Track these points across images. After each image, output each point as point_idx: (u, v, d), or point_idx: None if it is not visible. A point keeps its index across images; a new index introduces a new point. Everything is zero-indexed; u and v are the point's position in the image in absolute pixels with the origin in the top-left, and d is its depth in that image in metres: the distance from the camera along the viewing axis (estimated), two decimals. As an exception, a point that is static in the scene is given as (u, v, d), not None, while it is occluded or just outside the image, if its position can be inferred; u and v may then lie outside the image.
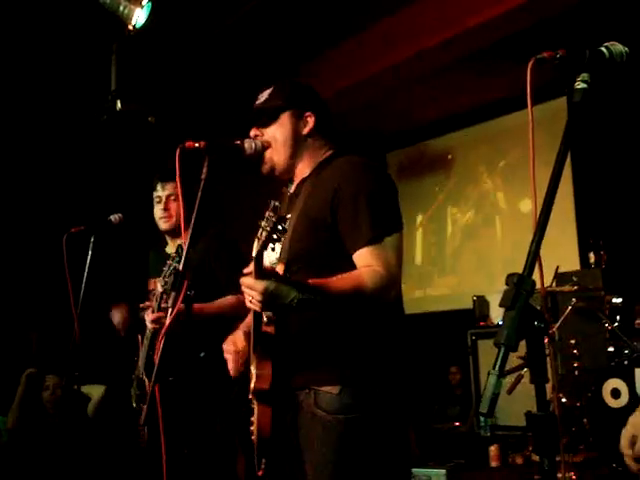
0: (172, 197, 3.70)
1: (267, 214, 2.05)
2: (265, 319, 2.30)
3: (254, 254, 2.10)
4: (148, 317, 3.33)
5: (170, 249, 3.81)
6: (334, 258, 2.28)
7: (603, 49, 1.41)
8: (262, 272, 2.10)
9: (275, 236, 2.03)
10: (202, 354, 3.39)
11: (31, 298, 6.12)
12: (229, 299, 3.44)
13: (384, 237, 2.24)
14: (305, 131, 2.47)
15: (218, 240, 3.64)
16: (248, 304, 2.18)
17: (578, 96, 1.35)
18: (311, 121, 2.47)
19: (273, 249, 2.16)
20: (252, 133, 2.49)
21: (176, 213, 3.69)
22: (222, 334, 2.63)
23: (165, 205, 3.71)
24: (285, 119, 2.46)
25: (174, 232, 3.74)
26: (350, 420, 2.20)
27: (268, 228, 2.03)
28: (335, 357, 2.26)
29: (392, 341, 2.34)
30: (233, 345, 2.47)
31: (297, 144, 2.46)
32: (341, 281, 2.19)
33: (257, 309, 2.17)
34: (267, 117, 2.47)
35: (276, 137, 2.45)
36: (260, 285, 2.07)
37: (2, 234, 6.05)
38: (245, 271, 2.18)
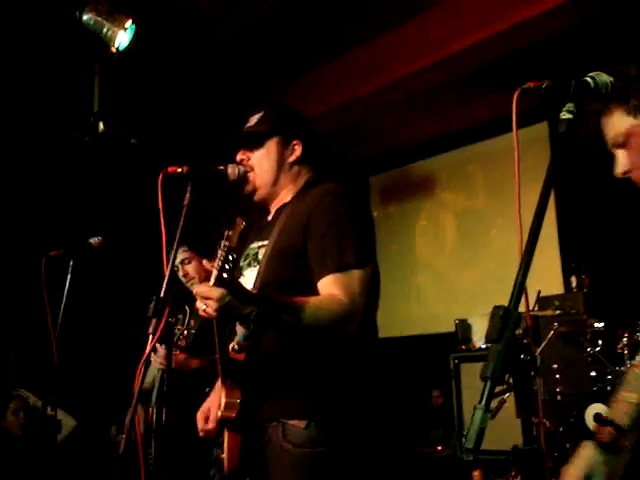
0: (185, 261, 3.84)
1: (222, 244, 2.02)
2: (236, 347, 2.28)
3: (212, 283, 2.05)
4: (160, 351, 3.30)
5: None
6: (304, 287, 2.24)
7: (588, 79, 1.41)
8: (222, 280, 2.03)
9: (227, 266, 2.00)
10: (207, 390, 3.35)
11: (10, 320, 6.04)
12: None
13: (350, 268, 2.21)
14: (291, 159, 2.47)
15: None
16: (201, 312, 2.10)
17: (563, 127, 1.34)
18: (298, 149, 2.48)
19: (227, 278, 2.09)
20: (238, 157, 2.48)
21: (198, 273, 3.80)
22: None
23: (183, 271, 3.85)
24: (272, 146, 2.46)
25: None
26: (317, 454, 2.18)
27: (222, 257, 2.01)
28: (303, 391, 2.24)
29: (361, 375, 2.31)
30: (202, 421, 2.47)
31: (281, 171, 2.46)
32: (301, 302, 2.14)
33: (212, 316, 2.08)
34: (254, 142, 2.46)
35: (261, 163, 2.45)
36: (216, 293, 2.02)
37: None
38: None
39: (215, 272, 2.04)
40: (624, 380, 1.88)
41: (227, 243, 2.01)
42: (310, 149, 2.50)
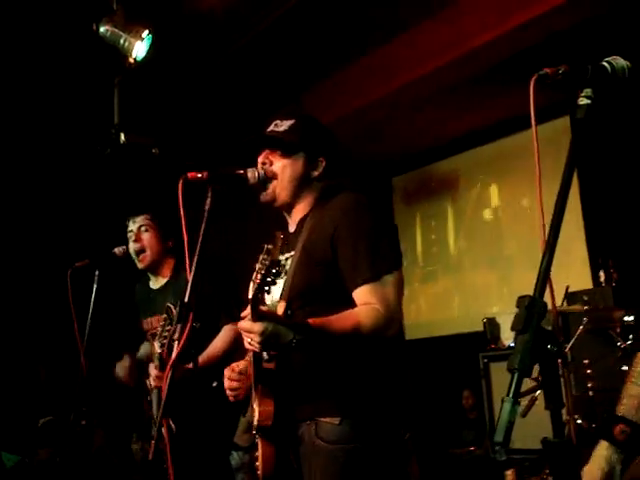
0: (142, 228, 3.68)
1: (261, 257, 2.07)
2: (266, 356, 2.31)
3: (250, 296, 2.11)
4: (152, 373, 3.30)
5: (154, 284, 3.76)
6: (334, 296, 2.31)
7: (605, 64, 1.39)
8: (259, 314, 2.10)
9: (269, 279, 2.06)
10: (215, 384, 3.34)
11: (38, 333, 6.08)
12: (226, 334, 3.40)
13: (383, 275, 2.28)
14: (314, 175, 2.50)
15: (209, 266, 3.59)
16: (247, 346, 2.20)
17: (581, 112, 1.32)
18: (322, 166, 2.50)
19: (268, 291, 2.14)
20: (261, 158, 2.49)
21: (150, 246, 3.65)
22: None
23: (136, 237, 3.68)
24: (299, 159, 2.48)
25: (153, 269, 3.71)
26: (351, 450, 2.22)
27: (262, 271, 2.05)
28: (335, 389, 2.28)
29: (391, 372, 2.36)
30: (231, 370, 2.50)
31: (303, 185, 2.49)
32: (340, 320, 2.21)
33: (257, 350, 2.20)
34: (282, 150, 2.47)
35: (285, 173, 2.46)
36: (258, 327, 2.08)
37: (8, 269, 6.03)
38: (242, 314, 2.18)
39: (254, 286, 2.09)
40: (630, 374, 1.84)
41: (268, 257, 2.05)
42: (332, 166, 2.53)
